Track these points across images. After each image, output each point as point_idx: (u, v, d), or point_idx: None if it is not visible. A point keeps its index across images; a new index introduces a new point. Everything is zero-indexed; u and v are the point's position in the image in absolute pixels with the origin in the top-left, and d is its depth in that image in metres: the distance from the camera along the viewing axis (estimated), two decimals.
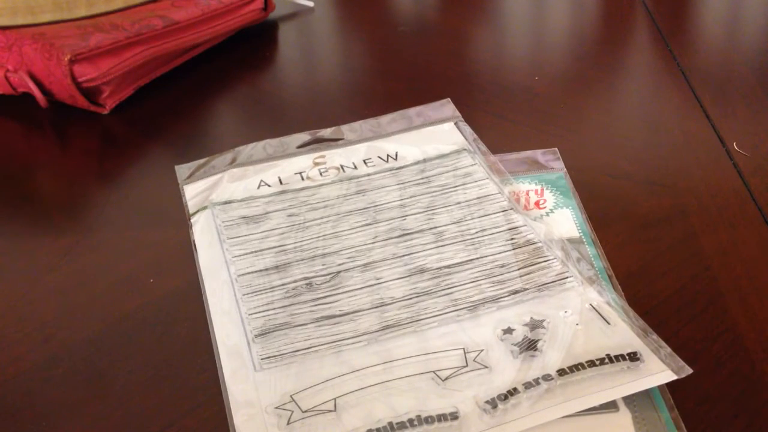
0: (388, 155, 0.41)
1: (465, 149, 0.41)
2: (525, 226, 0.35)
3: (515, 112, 0.46)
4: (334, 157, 0.41)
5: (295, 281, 0.33)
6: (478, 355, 0.29)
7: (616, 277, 0.33)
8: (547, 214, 0.36)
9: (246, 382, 0.28)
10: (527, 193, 0.38)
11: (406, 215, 0.36)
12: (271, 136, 0.43)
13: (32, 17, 0.50)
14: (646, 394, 0.27)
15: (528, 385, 0.27)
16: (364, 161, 0.40)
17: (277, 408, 0.27)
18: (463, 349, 0.29)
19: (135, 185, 0.42)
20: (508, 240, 0.34)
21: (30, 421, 0.28)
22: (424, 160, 0.40)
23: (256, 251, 0.35)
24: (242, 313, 0.31)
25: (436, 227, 0.35)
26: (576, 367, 0.27)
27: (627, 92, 0.48)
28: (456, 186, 0.38)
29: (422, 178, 0.39)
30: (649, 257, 0.34)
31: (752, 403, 0.27)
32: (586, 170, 0.40)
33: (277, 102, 0.50)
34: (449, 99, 0.46)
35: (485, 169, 0.39)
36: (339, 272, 0.33)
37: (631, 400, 0.27)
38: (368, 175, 0.39)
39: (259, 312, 0.31)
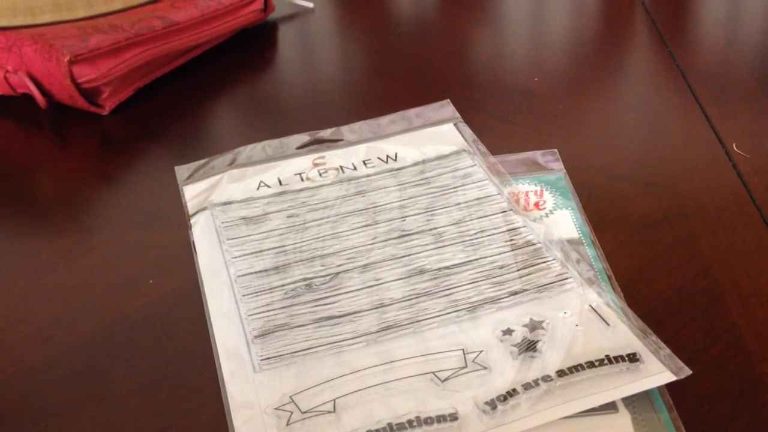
0: (387, 156, 0.41)
1: (464, 150, 0.41)
2: (524, 227, 0.35)
3: (515, 113, 0.46)
4: (334, 158, 0.41)
5: (294, 282, 0.33)
6: (477, 356, 0.29)
7: (616, 278, 0.33)
8: (547, 215, 0.36)
9: (245, 383, 0.28)
10: (527, 194, 0.38)
11: (406, 216, 0.36)
12: (271, 137, 0.43)
13: (32, 18, 0.50)
14: (646, 395, 0.27)
15: (527, 386, 0.27)
16: (363, 162, 0.40)
17: (276, 409, 0.27)
18: (463, 350, 0.29)
19: (135, 186, 0.42)
20: (507, 241, 0.34)
21: (29, 422, 0.28)
22: (424, 161, 0.40)
23: (255, 252, 0.35)
24: (242, 314, 0.31)
25: (435, 228, 0.35)
26: (575, 368, 0.27)
27: (626, 93, 0.48)
28: (455, 187, 0.38)
29: (422, 179, 0.39)
30: (648, 258, 0.34)
31: (752, 404, 0.27)
32: (586, 171, 0.40)
33: (276, 103, 0.50)
34: (449, 100, 0.46)
35: (485, 170, 0.39)
36: (338, 273, 0.33)
37: (630, 401, 0.27)
38: (368, 176, 0.39)
39: (259, 313, 0.31)
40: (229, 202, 0.38)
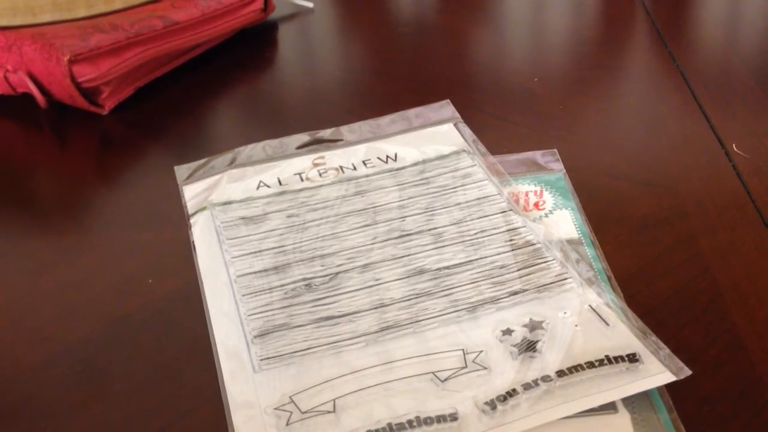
0: (387, 156, 0.41)
1: (464, 150, 0.41)
2: (524, 227, 0.35)
3: (515, 113, 0.46)
4: (334, 158, 0.41)
5: (294, 282, 0.33)
6: (477, 356, 0.29)
7: (616, 278, 0.33)
8: (547, 215, 0.36)
9: (245, 383, 0.28)
10: (526, 194, 0.38)
11: (406, 216, 0.36)
12: (271, 137, 0.43)
13: (32, 17, 0.50)
14: (646, 395, 0.27)
15: (527, 386, 0.27)
16: (363, 162, 0.40)
17: (276, 409, 0.27)
18: (463, 350, 0.29)
19: (134, 186, 0.42)
20: (507, 241, 0.34)
21: (29, 422, 0.28)
22: (424, 161, 0.40)
23: (255, 252, 0.35)
24: (241, 314, 0.31)
25: (435, 228, 0.35)
26: (575, 369, 0.27)
27: (626, 93, 0.48)
28: (455, 187, 0.38)
29: (421, 179, 0.39)
30: (648, 258, 0.34)
31: (752, 404, 0.27)
32: (586, 171, 0.40)
33: (276, 103, 0.50)
34: (449, 100, 0.46)
35: (484, 170, 0.39)
36: (338, 273, 0.33)
37: (630, 402, 0.27)
38: (367, 176, 0.39)
39: (259, 313, 0.31)
40: (229, 202, 0.38)
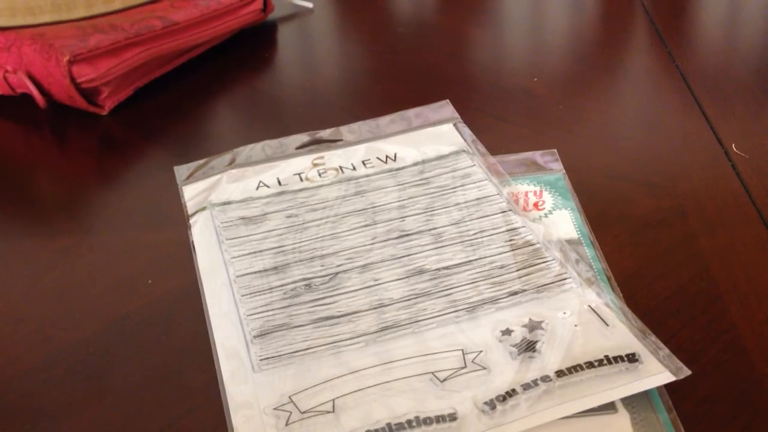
0: (387, 156, 0.41)
1: (464, 150, 0.41)
2: (524, 227, 0.35)
3: (514, 113, 0.46)
4: (333, 158, 0.41)
5: (293, 282, 0.33)
6: (476, 356, 0.29)
7: (615, 278, 0.33)
8: (546, 215, 0.36)
9: (245, 383, 0.28)
10: (526, 195, 0.38)
11: (405, 216, 0.36)
12: (270, 137, 0.43)
13: (32, 18, 0.50)
14: (645, 395, 0.27)
15: (526, 386, 0.27)
16: (363, 162, 0.40)
17: (275, 409, 0.27)
18: (462, 350, 0.29)
19: (134, 186, 0.42)
20: (506, 241, 0.34)
21: (29, 422, 0.28)
22: (423, 162, 0.40)
23: (254, 252, 0.35)
24: (241, 314, 0.31)
25: (434, 228, 0.35)
26: (574, 369, 0.27)
27: (626, 94, 0.48)
28: (455, 187, 0.38)
29: (421, 180, 0.39)
30: (647, 258, 0.34)
31: (751, 404, 0.27)
32: (585, 171, 0.40)
33: (276, 103, 0.50)
34: (448, 100, 0.46)
35: (484, 170, 0.39)
36: (338, 273, 0.33)
37: (629, 402, 0.27)
38: (367, 176, 0.39)
39: (258, 313, 0.31)
40: (229, 202, 0.38)
